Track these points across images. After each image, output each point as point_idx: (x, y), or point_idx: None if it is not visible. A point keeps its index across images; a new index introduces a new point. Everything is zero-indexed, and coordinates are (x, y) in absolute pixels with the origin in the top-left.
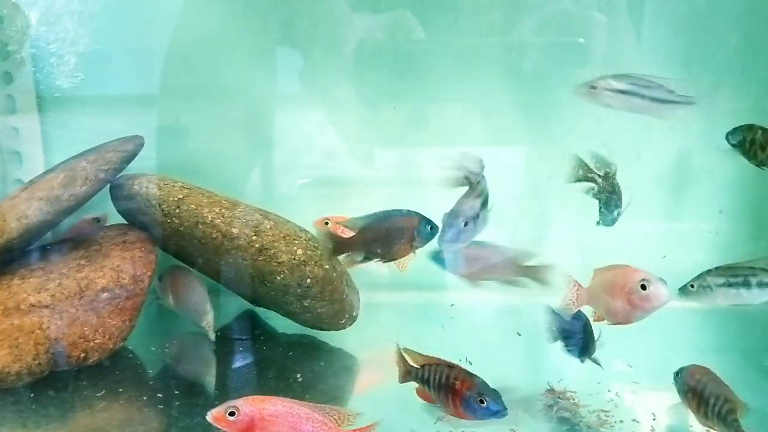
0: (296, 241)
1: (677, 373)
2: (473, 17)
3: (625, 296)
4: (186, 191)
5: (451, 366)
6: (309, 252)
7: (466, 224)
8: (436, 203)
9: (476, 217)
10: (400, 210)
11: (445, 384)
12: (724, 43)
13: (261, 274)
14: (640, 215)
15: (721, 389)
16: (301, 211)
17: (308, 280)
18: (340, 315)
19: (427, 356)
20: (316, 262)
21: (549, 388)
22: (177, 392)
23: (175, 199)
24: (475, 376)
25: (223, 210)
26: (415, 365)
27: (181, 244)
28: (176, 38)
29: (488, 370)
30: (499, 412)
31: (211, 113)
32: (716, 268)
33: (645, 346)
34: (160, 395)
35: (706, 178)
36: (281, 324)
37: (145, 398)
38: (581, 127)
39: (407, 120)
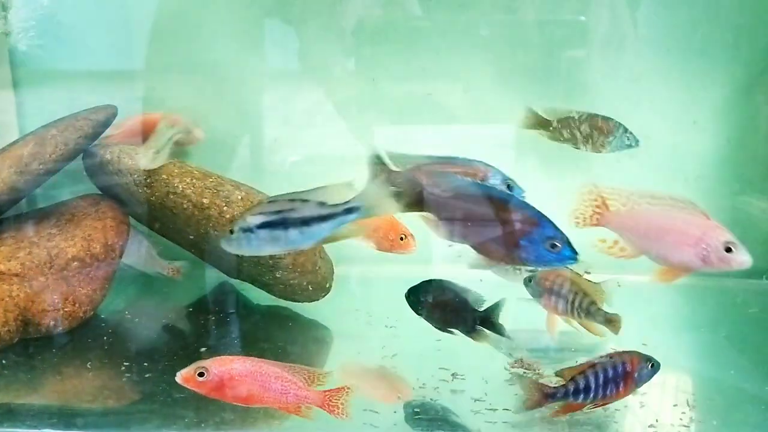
0: None
1: (528, 279)
2: None
3: (700, 250)
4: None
5: (609, 357)
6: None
7: None
8: None
9: None
10: None
11: (614, 375)
12: (717, 24)
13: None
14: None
15: (577, 285)
16: (291, 188)
17: None
18: (313, 286)
19: (571, 368)
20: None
21: (517, 358)
22: (147, 362)
23: (147, 168)
24: (630, 350)
25: (194, 180)
26: (554, 384)
27: (154, 214)
28: (160, 12)
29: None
30: (659, 365)
31: (196, 89)
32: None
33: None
34: (130, 364)
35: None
36: (257, 296)
37: (115, 366)
38: (582, 105)
39: (405, 97)
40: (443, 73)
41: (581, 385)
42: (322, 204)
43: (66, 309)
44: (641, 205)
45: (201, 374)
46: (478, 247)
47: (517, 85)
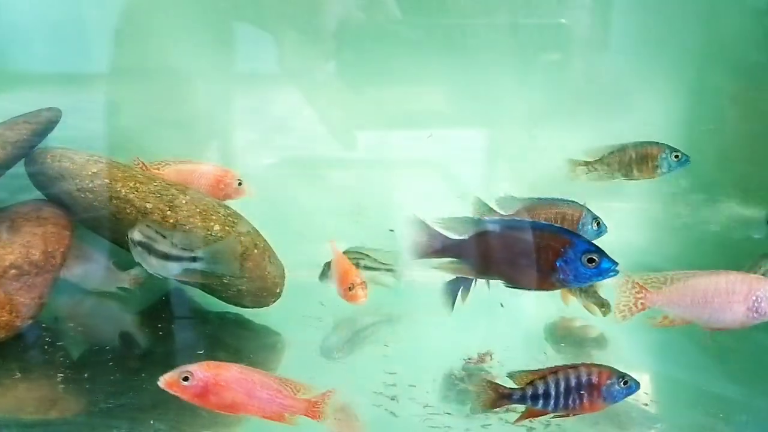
0: (213, 217)
1: None
2: None
3: (751, 304)
4: (101, 165)
5: (573, 367)
6: (227, 228)
7: None
8: (409, 186)
9: None
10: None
11: (576, 385)
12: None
13: None
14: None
15: None
16: (264, 190)
17: None
18: (263, 292)
19: (531, 371)
20: (234, 238)
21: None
22: (88, 372)
23: (89, 173)
24: (599, 364)
25: (137, 184)
26: (514, 386)
27: (98, 219)
28: (127, 16)
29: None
30: (638, 384)
31: (161, 93)
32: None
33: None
34: (68, 374)
35: None
36: (210, 302)
37: (51, 377)
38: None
39: (382, 102)
40: (424, 77)
41: (540, 390)
42: (175, 245)
43: (2, 318)
44: (681, 280)
45: (186, 378)
46: (514, 280)
47: (499, 88)
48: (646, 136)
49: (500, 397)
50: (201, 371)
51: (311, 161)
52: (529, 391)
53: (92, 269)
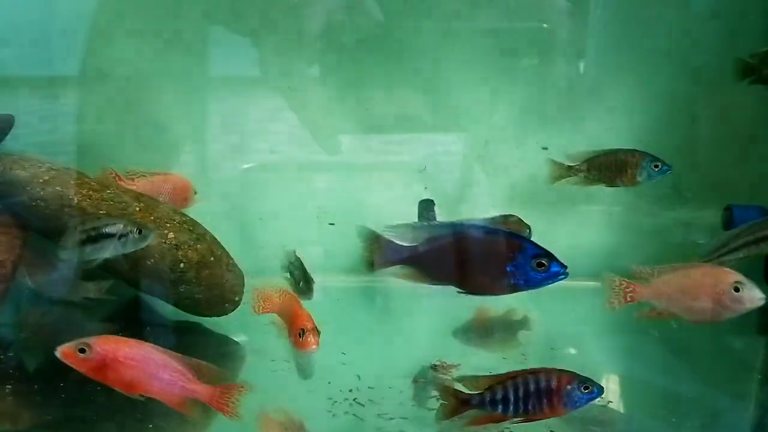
0: (168, 224)
1: None
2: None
3: (715, 297)
4: (53, 173)
5: (532, 372)
6: (182, 235)
7: None
8: (387, 190)
9: None
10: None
11: (536, 390)
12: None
13: (132, 258)
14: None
15: None
16: (241, 194)
17: (181, 265)
18: (220, 300)
19: (490, 376)
20: (190, 246)
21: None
22: (38, 383)
23: (41, 181)
24: (560, 369)
25: (90, 192)
26: (474, 392)
27: (51, 228)
28: (98, 20)
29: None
30: (601, 391)
31: (135, 98)
32: None
33: (552, 323)
34: (17, 386)
35: None
36: (170, 311)
37: (4, 388)
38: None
39: (363, 106)
40: (409, 80)
41: (498, 395)
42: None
43: None
44: (668, 273)
45: (82, 350)
46: (466, 286)
47: (482, 92)
48: (618, 140)
49: (461, 403)
50: (99, 345)
51: (289, 166)
52: (488, 396)
53: (56, 278)
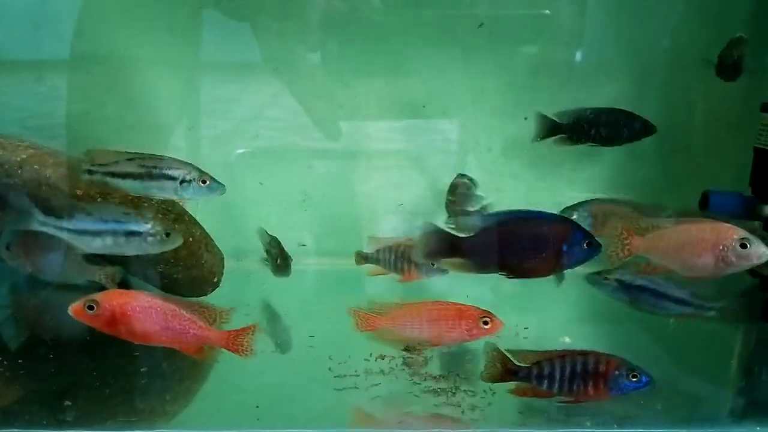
0: (145, 204)
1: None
2: None
3: (718, 252)
4: (31, 151)
5: (582, 353)
6: (160, 215)
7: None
8: (383, 177)
9: None
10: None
11: (582, 371)
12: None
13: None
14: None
15: None
16: (236, 179)
17: None
18: (199, 281)
19: (539, 353)
20: (167, 226)
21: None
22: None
23: (18, 159)
24: (612, 355)
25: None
26: (522, 364)
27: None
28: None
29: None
30: (650, 382)
31: (128, 80)
32: None
33: (540, 312)
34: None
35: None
36: (150, 291)
37: None
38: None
39: (363, 93)
40: (406, 67)
41: (545, 371)
42: None
43: None
44: (661, 226)
45: (90, 307)
46: (522, 271)
47: (482, 80)
48: None
49: (507, 372)
50: (106, 300)
51: (285, 151)
52: (535, 371)
53: (55, 262)
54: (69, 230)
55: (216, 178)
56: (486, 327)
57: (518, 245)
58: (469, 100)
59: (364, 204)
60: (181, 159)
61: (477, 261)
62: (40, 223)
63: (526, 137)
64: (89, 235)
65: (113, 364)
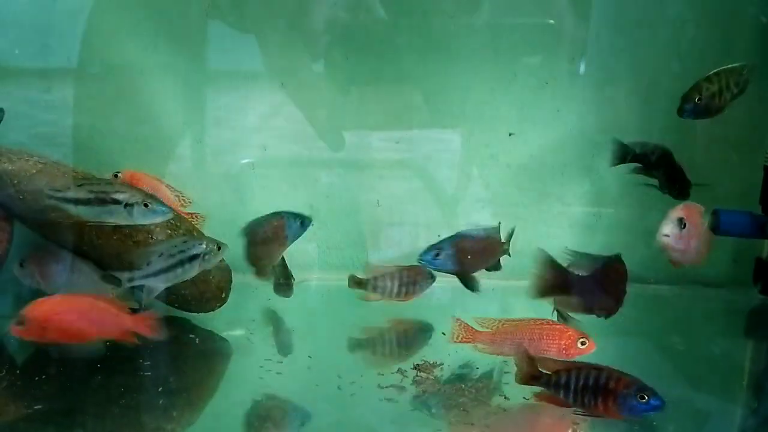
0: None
1: None
2: None
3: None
4: (40, 166)
5: (597, 368)
6: (168, 230)
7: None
8: (385, 187)
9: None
10: None
11: (594, 386)
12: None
13: (117, 253)
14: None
15: None
16: (240, 189)
17: None
18: (207, 296)
19: (562, 361)
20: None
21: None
22: (30, 373)
23: (28, 174)
24: (628, 374)
25: None
26: (544, 371)
27: (39, 222)
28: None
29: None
30: (661, 405)
31: (133, 90)
32: None
33: None
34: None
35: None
36: (157, 306)
37: None
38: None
39: (364, 102)
40: (408, 77)
41: (562, 380)
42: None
43: None
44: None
45: (20, 323)
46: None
47: (483, 90)
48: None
49: (531, 377)
50: (30, 312)
51: (289, 161)
52: (553, 379)
53: (70, 279)
54: (148, 276)
55: (162, 201)
56: (582, 347)
57: (620, 287)
58: (474, 110)
59: (371, 216)
60: (132, 183)
61: (584, 300)
62: (129, 281)
63: (531, 148)
64: (164, 272)
65: (119, 380)
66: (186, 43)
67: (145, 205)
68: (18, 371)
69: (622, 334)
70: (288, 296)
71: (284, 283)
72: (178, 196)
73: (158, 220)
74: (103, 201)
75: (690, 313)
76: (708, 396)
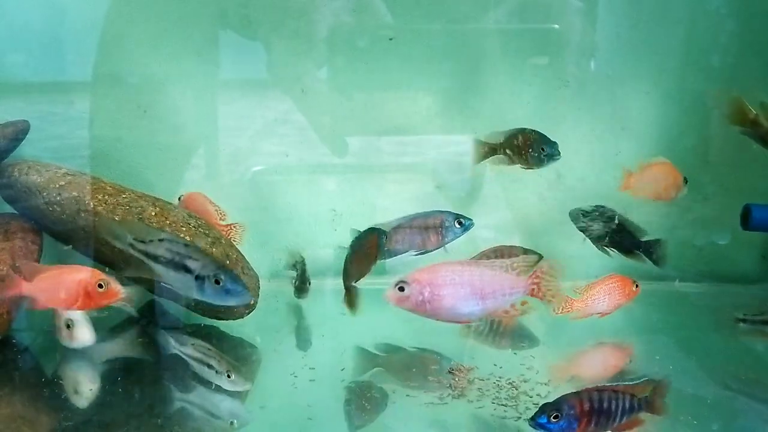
0: (183, 228)
1: None
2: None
3: None
4: (69, 178)
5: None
6: (198, 240)
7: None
8: (395, 192)
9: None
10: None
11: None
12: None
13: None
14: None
15: None
16: (252, 196)
17: None
18: None
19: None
20: (205, 249)
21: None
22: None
23: (57, 186)
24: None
25: (106, 197)
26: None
27: (68, 234)
28: (110, 25)
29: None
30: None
31: (143, 101)
32: None
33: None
34: (45, 390)
35: None
36: (184, 313)
37: (24, 393)
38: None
39: (370, 108)
40: (411, 83)
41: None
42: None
43: None
44: None
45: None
46: None
47: (492, 94)
48: (629, 140)
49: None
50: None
51: (299, 168)
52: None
53: None
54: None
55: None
56: (636, 289)
57: None
58: (481, 112)
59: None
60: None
61: None
62: None
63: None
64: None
65: (152, 392)
66: (198, 53)
67: (216, 282)
68: (55, 382)
69: (650, 332)
70: (303, 298)
71: (300, 286)
72: (217, 209)
73: (231, 303)
74: (176, 266)
75: (718, 311)
76: (738, 395)
